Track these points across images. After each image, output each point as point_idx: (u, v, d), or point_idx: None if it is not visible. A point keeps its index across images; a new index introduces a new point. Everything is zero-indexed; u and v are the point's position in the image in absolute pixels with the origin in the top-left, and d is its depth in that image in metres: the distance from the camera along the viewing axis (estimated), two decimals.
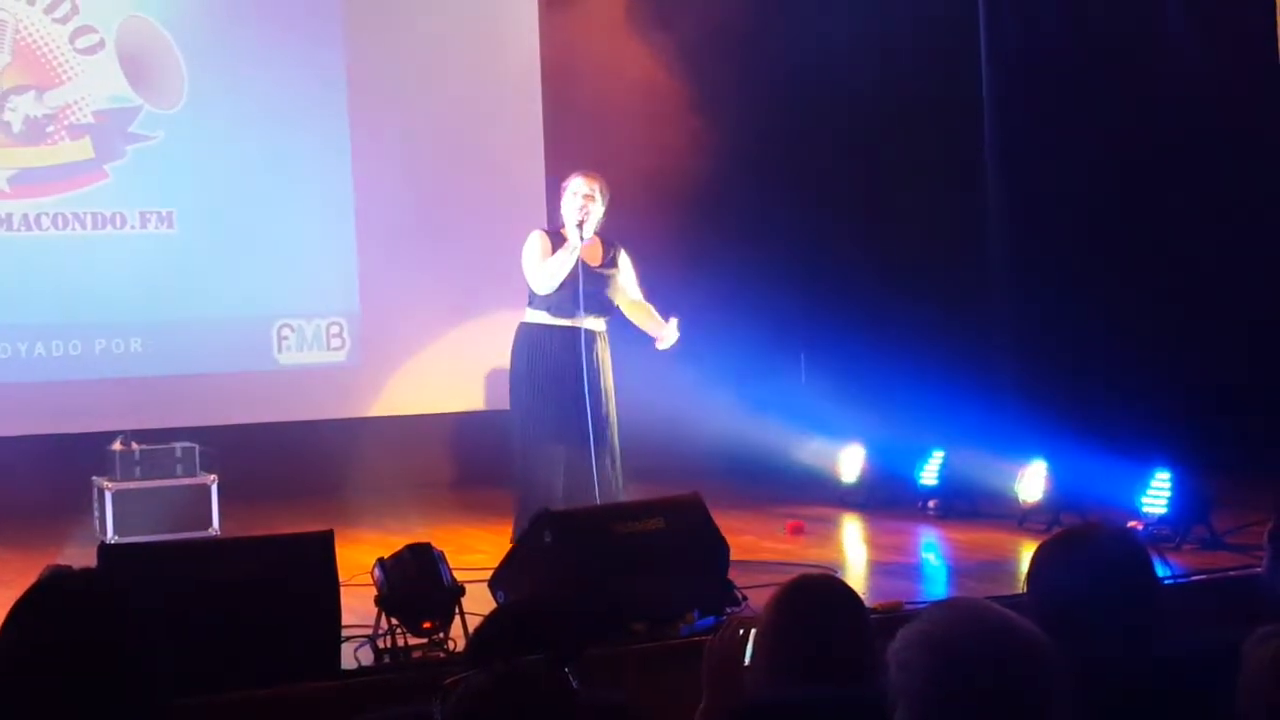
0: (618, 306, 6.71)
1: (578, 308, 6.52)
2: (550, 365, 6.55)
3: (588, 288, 6.54)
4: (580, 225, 6.50)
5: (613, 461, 6.60)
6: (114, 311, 8.59)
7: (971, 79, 8.66)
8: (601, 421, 6.56)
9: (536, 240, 6.65)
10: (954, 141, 8.90)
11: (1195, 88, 8.16)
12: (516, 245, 6.69)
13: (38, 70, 8.51)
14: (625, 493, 6.58)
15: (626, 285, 6.75)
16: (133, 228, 8.68)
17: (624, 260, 6.75)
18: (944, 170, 8.94)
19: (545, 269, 6.53)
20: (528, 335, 6.63)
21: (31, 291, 8.46)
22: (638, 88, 8.75)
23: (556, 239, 6.61)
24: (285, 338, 8.97)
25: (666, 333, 6.67)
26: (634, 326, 6.79)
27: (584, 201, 6.55)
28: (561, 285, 6.51)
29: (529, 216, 9.17)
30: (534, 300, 6.61)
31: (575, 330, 6.54)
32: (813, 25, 9.13)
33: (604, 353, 6.65)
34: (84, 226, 8.59)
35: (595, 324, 6.63)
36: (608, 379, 6.64)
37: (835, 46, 9.07)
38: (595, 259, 6.62)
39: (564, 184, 6.69)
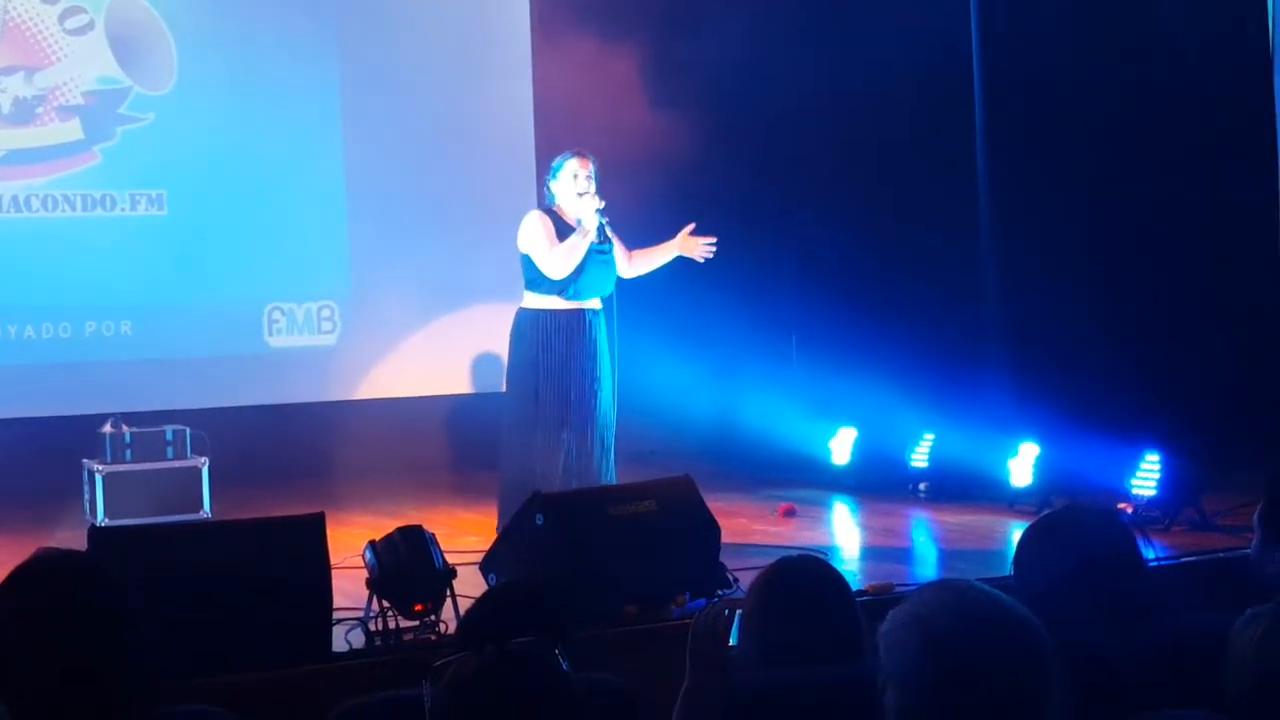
0: (619, 278, 6.66)
1: (588, 290, 6.49)
2: (563, 349, 6.44)
3: (595, 268, 6.48)
4: (600, 210, 6.37)
5: (610, 443, 6.58)
6: (104, 294, 8.58)
7: (964, 67, 8.65)
8: (607, 403, 6.53)
9: (539, 222, 6.47)
10: (946, 126, 8.89)
11: (1188, 85, 8.18)
12: (506, 229, 6.66)
13: (27, 51, 8.48)
14: (618, 477, 6.56)
15: (620, 252, 6.67)
16: (123, 210, 8.66)
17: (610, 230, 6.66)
18: (935, 154, 8.93)
19: (561, 254, 6.38)
20: (535, 320, 6.47)
21: (21, 273, 8.44)
22: (631, 77, 8.73)
23: (555, 219, 6.51)
24: (276, 321, 8.96)
25: (686, 241, 6.60)
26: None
27: (587, 185, 6.45)
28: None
29: (519, 200, 9.16)
30: (541, 284, 6.46)
31: (582, 312, 6.49)
32: (813, 30, 9.14)
33: (603, 333, 6.57)
34: (74, 208, 8.57)
35: (597, 304, 6.57)
36: (608, 360, 6.59)
37: (830, 43, 9.07)
38: (594, 237, 6.51)
39: (558, 166, 6.55)
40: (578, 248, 6.39)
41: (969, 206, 8.76)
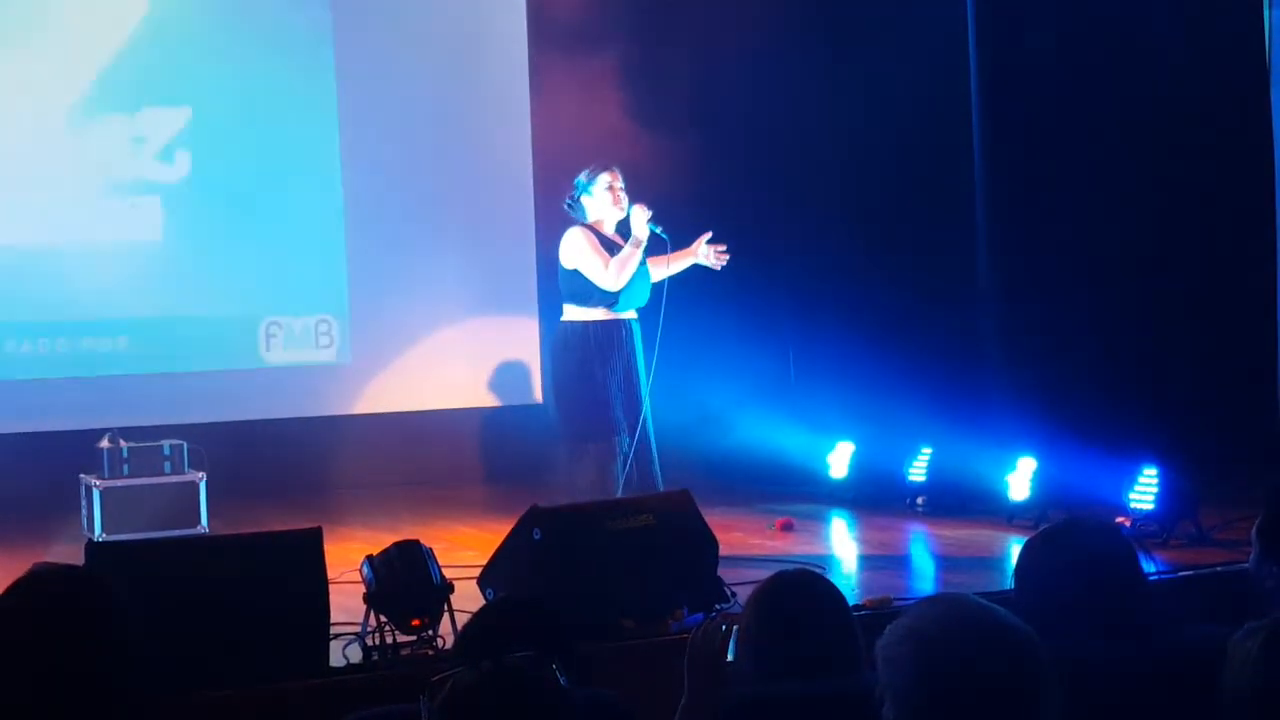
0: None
1: (632, 300, 6.56)
2: (617, 358, 6.51)
3: (637, 279, 6.55)
4: (650, 221, 6.45)
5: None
6: (101, 309, 8.56)
7: (962, 81, 8.67)
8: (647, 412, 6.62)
9: (585, 239, 6.51)
10: (942, 142, 8.90)
11: (1185, 100, 8.20)
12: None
13: None
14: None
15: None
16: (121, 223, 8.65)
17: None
18: (932, 169, 8.94)
19: (618, 266, 6.45)
20: (584, 331, 6.53)
21: (19, 289, 8.43)
22: (627, 95, 8.74)
23: (595, 234, 6.55)
24: (273, 335, 8.95)
25: (701, 249, 6.68)
26: None
27: (623, 195, 6.55)
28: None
29: (518, 214, 9.19)
30: (591, 297, 6.50)
31: (627, 323, 6.59)
32: (809, 47, 9.16)
33: (640, 342, 6.64)
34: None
35: (634, 314, 6.65)
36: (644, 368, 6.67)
37: (827, 60, 9.09)
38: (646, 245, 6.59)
39: (591, 181, 6.58)
40: (632, 259, 6.47)
41: (966, 222, 8.77)
